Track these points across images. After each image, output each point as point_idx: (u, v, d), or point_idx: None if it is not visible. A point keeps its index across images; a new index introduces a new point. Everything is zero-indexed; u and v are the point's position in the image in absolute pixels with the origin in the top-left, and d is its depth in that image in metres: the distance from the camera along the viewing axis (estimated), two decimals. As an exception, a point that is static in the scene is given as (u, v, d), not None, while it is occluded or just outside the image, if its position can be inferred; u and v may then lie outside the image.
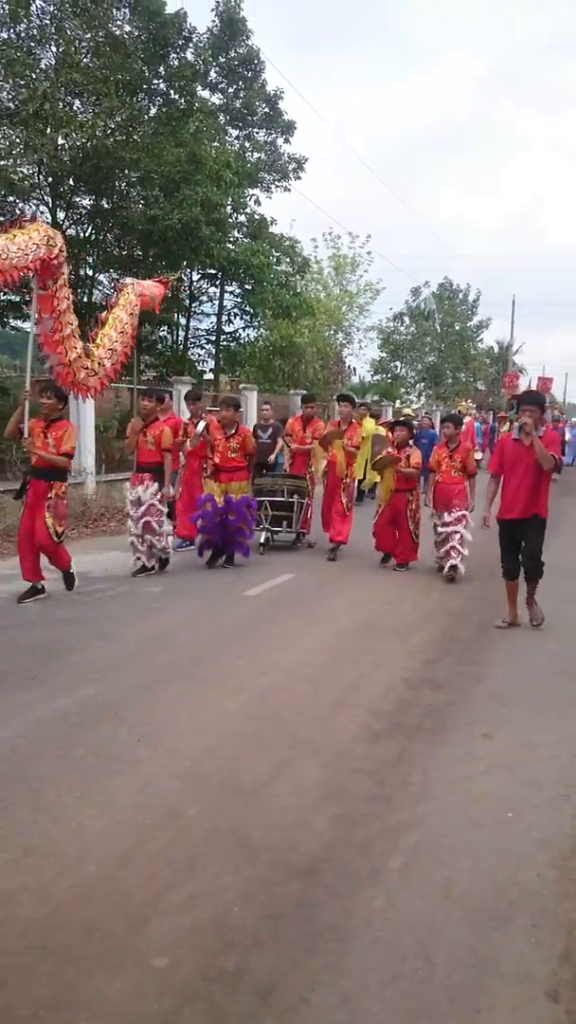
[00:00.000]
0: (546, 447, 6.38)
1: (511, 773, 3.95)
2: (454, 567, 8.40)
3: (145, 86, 18.22)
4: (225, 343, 24.01)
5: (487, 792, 3.73)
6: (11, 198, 15.50)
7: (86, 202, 18.39)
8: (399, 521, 8.96)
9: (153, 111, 18.63)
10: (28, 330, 8.20)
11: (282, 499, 9.91)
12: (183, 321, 23.23)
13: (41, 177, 16.83)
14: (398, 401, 36.28)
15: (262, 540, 9.72)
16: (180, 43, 18.10)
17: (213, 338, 24.16)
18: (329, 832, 3.33)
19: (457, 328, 40.85)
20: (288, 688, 5.00)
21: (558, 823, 3.47)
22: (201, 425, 9.08)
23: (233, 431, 8.79)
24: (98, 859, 3.05)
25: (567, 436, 25.20)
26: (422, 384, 41.54)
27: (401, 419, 10.42)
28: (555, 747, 4.27)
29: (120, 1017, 2.28)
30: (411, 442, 9.47)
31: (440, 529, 8.64)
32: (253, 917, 2.75)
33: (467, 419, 18.17)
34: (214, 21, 21.33)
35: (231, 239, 20.15)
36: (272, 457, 11.59)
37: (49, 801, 3.49)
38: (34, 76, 14.61)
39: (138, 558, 8.11)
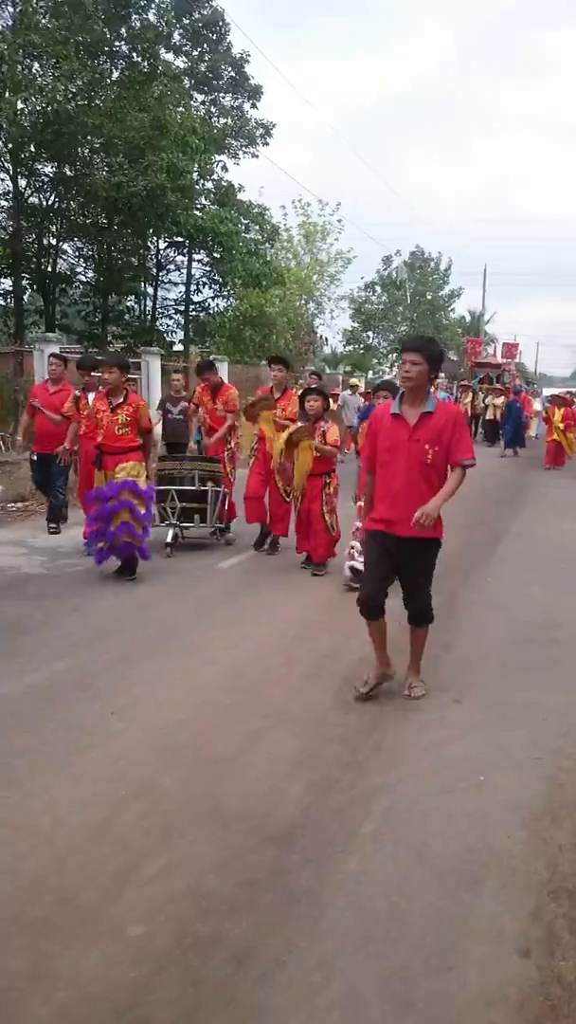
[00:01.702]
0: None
1: (481, 738, 4.00)
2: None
3: (106, 48, 17.81)
4: (194, 313, 23.77)
5: (458, 757, 3.78)
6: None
7: (48, 169, 18.01)
8: (311, 510, 7.19)
9: (115, 75, 18.25)
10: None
11: (191, 488, 7.91)
12: (151, 291, 22.95)
13: (1, 143, 16.42)
14: (370, 372, 36.23)
15: (168, 539, 7.80)
16: (142, 4, 17.74)
17: (182, 308, 23.90)
18: (303, 799, 3.35)
19: (429, 297, 40.80)
20: (262, 659, 5.01)
21: (528, 786, 3.53)
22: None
23: (121, 400, 6.70)
24: (72, 831, 3.05)
25: (536, 406, 24.54)
26: (394, 355, 41.47)
27: (313, 386, 7.87)
28: (524, 712, 4.33)
29: (97, 986, 2.29)
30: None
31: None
32: (228, 884, 2.77)
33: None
34: (177, -19, 20.85)
35: (198, 206, 19.90)
36: (213, 440, 8.52)
37: (21, 776, 3.48)
38: (-9, 38, 14.22)
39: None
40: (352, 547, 6.66)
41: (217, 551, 8.10)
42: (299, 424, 7.41)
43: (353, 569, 6.50)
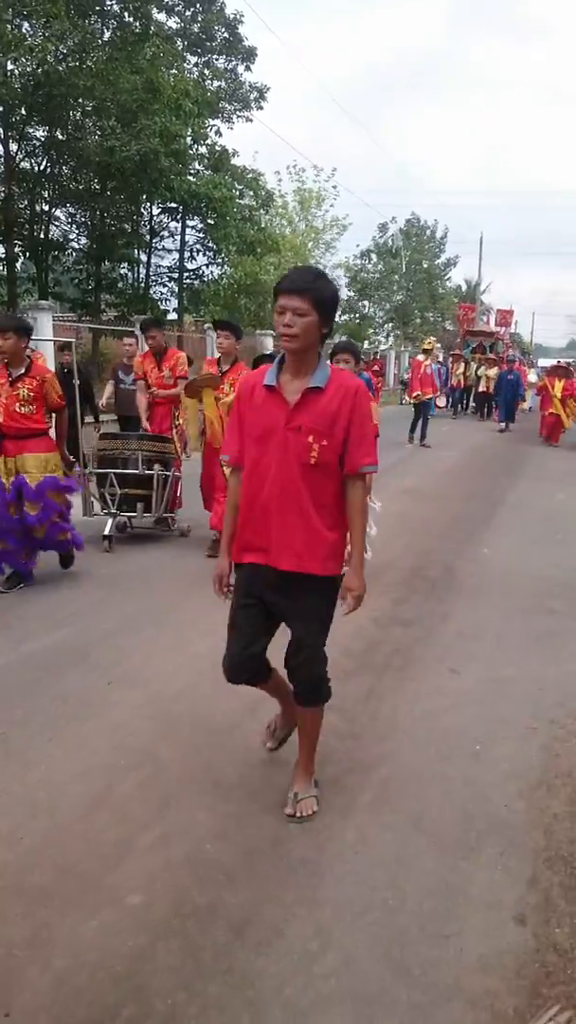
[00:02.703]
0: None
1: (479, 708, 4.01)
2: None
3: (98, 8, 17.43)
4: (188, 280, 23.51)
5: (455, 726, 3.79)
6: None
7: (40, 133, 17.71)
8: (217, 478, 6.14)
9: (107, 35, 17.88)
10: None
11: (135, 471, 6.85)
12: (144, 258, 22.68)
13: (-9, 106, 16.11)
14: (366, 342, 35.99)
15: (107, 531, 6.84)
16: (134, -39, 17.26)
17: (176, 276, 23.63)
18: (300, 769, 3.35)
19: (425, 266, 40.40)
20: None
21: (525, 755, 3.54)
22: None
23: (22, 371, 5.50)
24: (70, 802, 3.05)
25: (532, 378, 23.48)
26: (390, 324, 41.20)
27: (269, 354, 6.55)
28: (522, 682, 4.34)
29: (95, 954, 2.30)
30: None
31: None
32: (227, 853, 2.77)
33: (419, 357, 16.05)
34: None
35: (192, 171, 19.61)
36: (163, 393, 7.50)
37: (19, 746, 3.47)
38: (-21, -4, 13.89)
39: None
40: None
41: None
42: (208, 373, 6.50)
43: None
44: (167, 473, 7.02)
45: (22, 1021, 2.09)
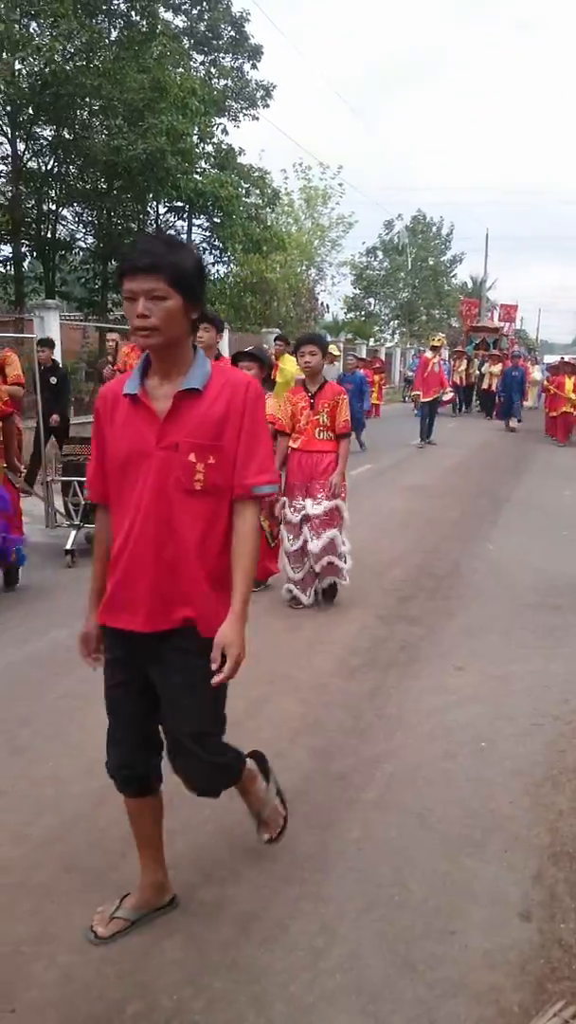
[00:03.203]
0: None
1: (484, 704, 4.01)
2: (333, 586, 5.56)
3: (105, 7, 17.39)
4: (195, 279, 23.49)
5: (460, 723, 3.79)
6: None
7: (47, 133, 17.69)
8: None
9: (114, 34, 17.83)
10: None
11: None
12: (151, 257, 22.65)
13: (-1, 105, 16.14)
14: (372, 339, 35.95)
15: (69, 544, 6.34)
16: (140, -40, 17.23)
17: (182, 275, 23.60)
18: (306, 765, 3.37)
19: (431, 263, 40.30)
20: (264, 626, 5.00)
21: (530, 752, 3.54)
22: None
23: None
24: (75, 798, 3.06)
25: (536, 375, 22.85)
26: (396, 321, 41.13)
27: (248, 349, 6.11)
28: (527, 679, 4.34)
29: (100, 950, 2.31)
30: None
31: (294, 520, 5.37)
32: (232, 850, 2.78)
33: (428, 354, 15.49)
34: None
35: (198, 170, 19.54)
36: None
37: (25, 744, 3.49)
38: (-14, -4, 13.91)
39: None
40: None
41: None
42: None
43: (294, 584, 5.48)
44: None
45: (28, 1017, 2.10)
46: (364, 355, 26.94)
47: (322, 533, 5.23)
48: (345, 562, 5.44)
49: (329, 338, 29.64)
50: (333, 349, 15.32)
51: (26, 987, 2.18)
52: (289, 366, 9.61)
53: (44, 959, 2.27)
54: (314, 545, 5.24)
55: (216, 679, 2.13)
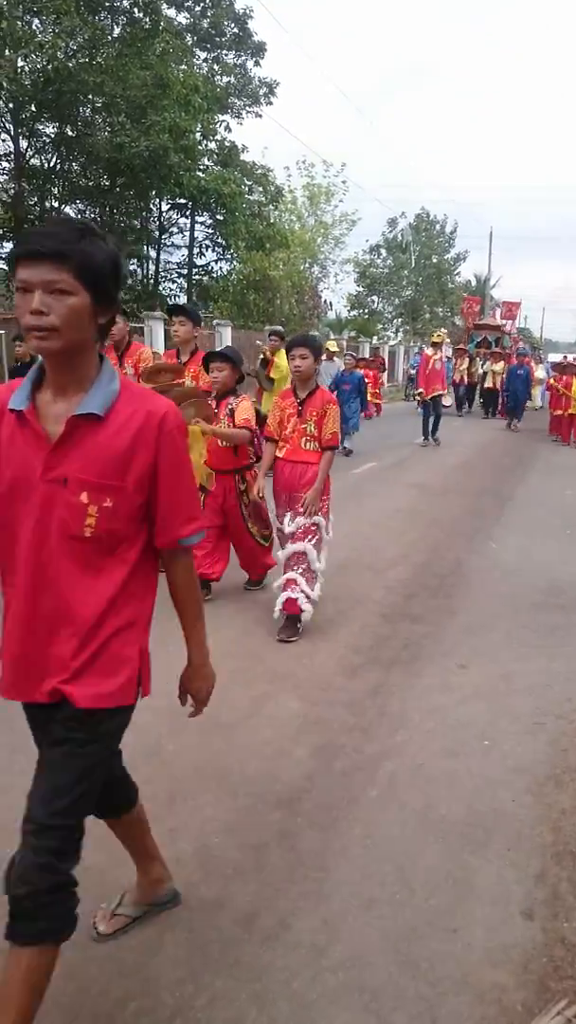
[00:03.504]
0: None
1: (487, 703, 4.00)
2: (294, 614, 4.80)
3: (108, 4, 17.43)
4: (197, 276, 23.52)
5: (463, 721, 3.79)
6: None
7: (49, 130, 17.72)
8: (230, 523, 5.30)
9: (117, 31, 17.86)
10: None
11: None
12: (153, 254, 22.69)
13: (2, 103, 16.14)
14: (375, 337, 35.94)
15: None
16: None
17: (185, 272, 23.64)
18: (309, 763, 3.36)
19: (434, 261, 40.30)
20: (266, 625, 5.00)
21: (533, 750, 3.54)
22: None
23: None
24: (78, 795, 3.06)
25: (540, 374, 22.08)
26: (399, 319, 41.11)
27: (221, 349, 5.60)
28: (529, 677, 4.33)
29: (103, 947, 2.31)
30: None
31: (285, 529, 4.95)
32: (234, 848, 2.78)
33: (428, 351, 15.00)
34: None
35: (201, 167, 19.58)
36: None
37: (27, 740, 3.48)
38: (-11, -8, 13.91)
39: None
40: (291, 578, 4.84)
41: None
42: (180, 384, 5.23)
43: (290, 603, 4.79)
44: None
45: (30, 1012, 2.10)
46: (367, 353, 26.96)
47: (299, 541, 4.84)
48: (313, 588, 4.83)
49: (332, 335, 29.64)
50: (332, 345, 14.75)
51: (28, 984, 2.18)
52: (285, 362, 8.92)
53: (46, 956, 2.27)
54: (281, 554, 4.99)
55: (191, 715, 2.20)
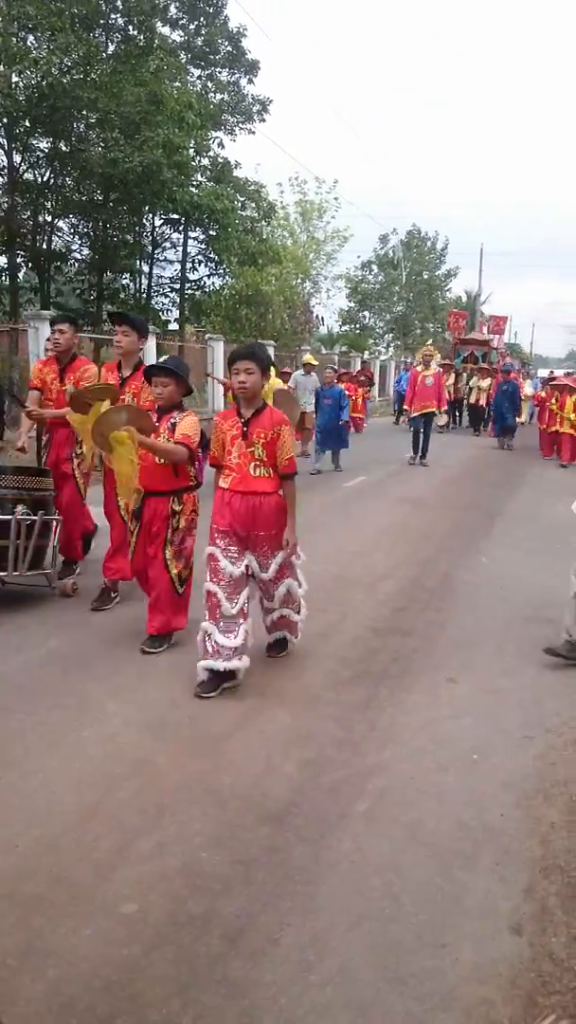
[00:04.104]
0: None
1: (476, 717, 4.00)
2: (283, 641, 4.78)
3: (102, 21, 17.56)
4: (190, 291, 23.57)
5: (453, 736, 3.78)
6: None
7: (43, 145, 17.78)
8: (154, 550, 4.65)
9: (111, 48, 17.97)
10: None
11: None
12: (145, 268, 22.74)
13: (-5, 117, 16.19)
14: (366, 352, 36.09)
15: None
16: (138, -25, 17.37)
17: (177, 286, 23.69)
18: (297, 777, 3.35)
19: (425, 277, 40.55)
20: (256, 640, 4.99)
21: (522, 765, 3.54)
22: None
23: None
24: (66, 809, 3.04)
25: (528, 390, 21.29)
26: (390, 335, 41.31)
27: (162, 361, 5.33)
28: (519, 692, 4.34)
29: (89, 963, 2.29)
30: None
31: (235, 572, 4.21)
32: (222, 862, 2.77)
33: (418, 368, 14.54)
34: (173, -47, 20.50)
35: (194, 183, 19.64)
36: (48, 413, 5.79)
37: (17, 754, 3.47)
38: (-16, 9, 14.00)
39: None
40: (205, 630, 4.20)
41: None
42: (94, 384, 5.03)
43: (212, 671, 4.14)
44: (32, 517, 5.22)
45: (15, 1029, 2.08)
46: (359, 366, 27.02)
47: (278, 584, 4.41)
48: (299, 612, 4.69)
49: (324, 350, 29.69)
50: (310, 358, 14.48)
51: (12, 1001, 2.16)
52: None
53: (31, 972, 2.25)
54: (270, 601, 4.51)
55: None
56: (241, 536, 4.22)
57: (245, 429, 4.20)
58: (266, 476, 4.22)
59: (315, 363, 14.52)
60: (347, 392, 14.46)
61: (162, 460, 4.54)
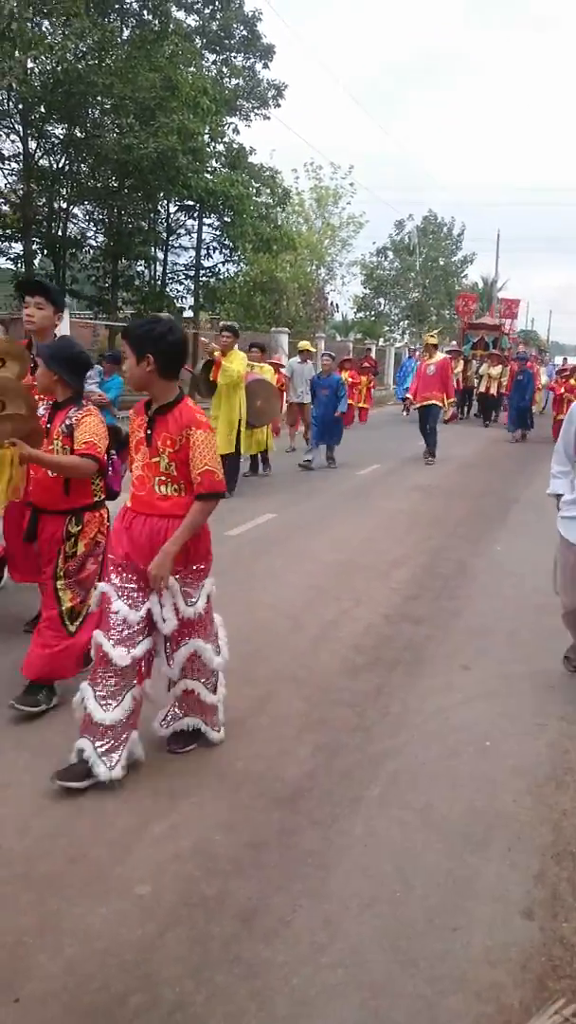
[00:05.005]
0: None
1: (489, 704, 4.01)
2: (193, 733, 3.45)
3: (117, 6, 17.50)
4: (204, 278, 23.54)
5: (465, 722, 3.79)
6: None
7: (58, 131, 17.78)
8: (45, 576, 3.72)
9: (126, 33, 17.89)
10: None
11: None
12: (160, 255, 22.72)
13: (11, 104, 16.20)
14: (381, 339, 35.93)
15: None
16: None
17: (192, 273, 23.65)
18: (310, 762, 3.37)
19: (441, 263, 40.27)
20: (271, 625, 5.02)
21: (534, 751, 3.54)
22: None
23: None
24: (81, 792, 3.07)
25: (543, 378, 20.37)
26: (406, 322, 41.10)
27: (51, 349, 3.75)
28: (531, 679, 4.34)
29: (104, 942, 2.32)
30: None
31: (131, 617, 3.13)
32: (235, 845, 2.79)
33: (425, 355, 13.49)
34: None
35: (209, 169, 19.57)
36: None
37: (30, 736, 3.50)
38: (0, -6, 13.93)
39: None
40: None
41: (225, 517, 7.99)
42: None
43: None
44: None
45: (32, 1007, 2.11)
46: (374, 355, 26.85)
47: (180, 643, 3.26)
48: (215, 692, 3.45)
49: (339, 337, 29.50)
50: (307, 344, 13.47)
51: (29, 978, 2.20)
52: (236, 364, 8.45)
53: (48, 950, 2.29)
54: (169, 666, 3.30)
55: None
56: (141, 571, 3.13)
57: (149, 432, 3.14)
58: (175, 494, 3.14)
59: (312, 349, 13.59)
60: (351, 380, 13.73)
61: (54, 474, 3.57)
